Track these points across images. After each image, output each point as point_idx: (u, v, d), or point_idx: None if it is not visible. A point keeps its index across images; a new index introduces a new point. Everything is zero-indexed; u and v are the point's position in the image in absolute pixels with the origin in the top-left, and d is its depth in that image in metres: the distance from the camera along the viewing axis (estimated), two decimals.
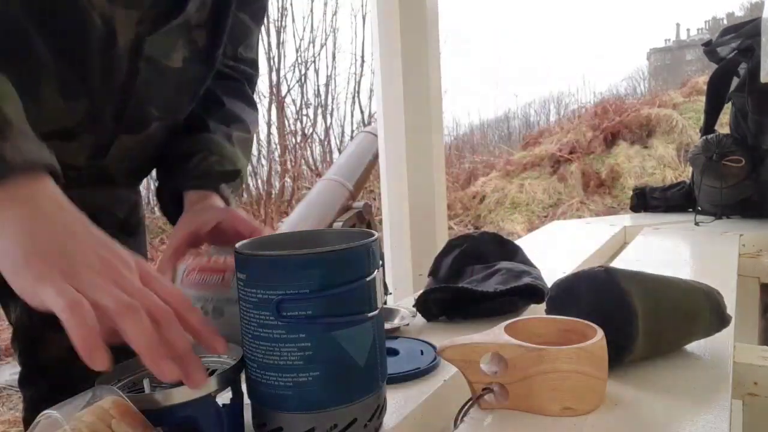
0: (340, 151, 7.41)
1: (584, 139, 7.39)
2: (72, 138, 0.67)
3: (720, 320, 0.69)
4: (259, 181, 7.37)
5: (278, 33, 7.51)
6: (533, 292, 0.85)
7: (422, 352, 0.71)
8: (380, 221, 2.03)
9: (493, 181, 7.36)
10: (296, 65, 7.64)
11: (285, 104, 7.53)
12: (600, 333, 0.56)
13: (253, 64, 0.85)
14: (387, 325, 0.79)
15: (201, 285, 0.56)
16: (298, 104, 7.65)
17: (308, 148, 7.66)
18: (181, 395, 0.45)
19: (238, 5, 0.75)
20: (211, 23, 0.70)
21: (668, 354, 0.66)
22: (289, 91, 7.59)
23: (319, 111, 7.78)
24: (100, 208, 0.72)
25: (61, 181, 0.49)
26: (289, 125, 7.60)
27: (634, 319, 0.61)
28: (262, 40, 7.43)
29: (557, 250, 1.35)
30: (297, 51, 7.64)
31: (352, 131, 7.71)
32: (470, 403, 0.56)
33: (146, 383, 0.49)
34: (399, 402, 0.60)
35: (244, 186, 7.19)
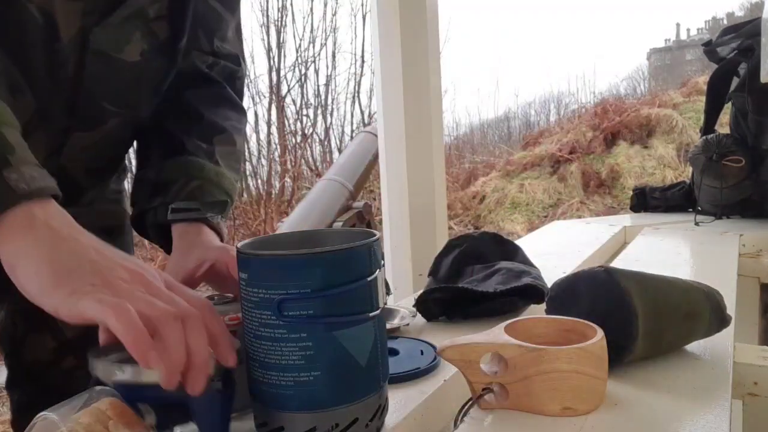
0: (340, 151, 7.41)
1: (584, 139, 7.39)
2: (25, 136, 0.65)
3: (720, 320, 0.69)
4: (259, 181, 7.37)
5: (278, 33, 7.52)
6: (533, 292, 0.85)
7: (422, 352, 0.71)
8: (380, 221, 2.03)
9: (493, 181, 7.36)
10: (296, 65, 7.64)
11: (285, 104, 7.53)
12: (600, 333, 0.56)
13: (236, 59, 0.80)
14: (387, 325, 0.79)
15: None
16: (298, 104, 7.65)
17: (308, 148, 7.66)
18: None
19: None
20: (171, 14, 0.67)
21: (668, 354, 0.67)
22: (289, 91, 7.59)
23: (319, 111, 7.78)
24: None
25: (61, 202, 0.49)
26: (289, 125, 7.60)
27: (634, 319, 0.61)
28: (263, 41, 7.44)
29: (557, 250, 1.35)
30: (297, 51, 7.64)
31: (352, 131, 7.71)
32: (470, 403, 0.56)
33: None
34: (399, 402, 0.60)
35: (243, 187, 7.20)
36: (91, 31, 0.61)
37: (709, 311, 0.68)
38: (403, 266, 1.78)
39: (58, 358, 0.68)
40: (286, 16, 7.54)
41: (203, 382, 0.45)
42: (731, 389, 0.59)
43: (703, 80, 7.20)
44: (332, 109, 7.88)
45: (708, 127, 1.79)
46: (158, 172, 0.72)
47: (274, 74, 7.53)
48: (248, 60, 7.79)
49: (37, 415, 0.44)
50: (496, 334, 0.57)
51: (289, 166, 7.37)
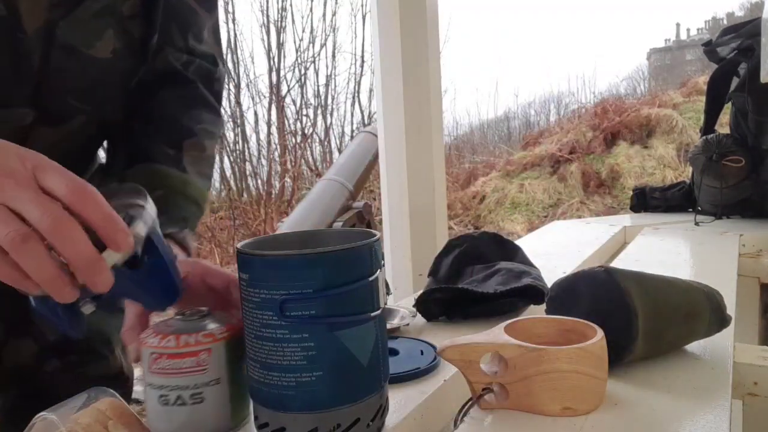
0: (340, 151, 7.41)
1: (584, 139, 7.39)
2: None
3: (720, 321, 0.69)
4: (259, 181, 7.37)
5: (278, 33, 7.52)
6: (533, 293, 0.85)
7: (422, 352, 0.72)
8: (380, 221, 2.03)
9: (493, 181, 7.36)
10: (296, 65, 7.64)
11: (285, 104, 7.53)
12: (600, 333, 0.56)
13: (212, 59, 0.77)
14: (387, 325, 0.79)
15: (173, 372, 0.51)
16: (298, 104, 7.65)
17: (308, 148, 7.66)
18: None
19: None
20: (145, 11, 0.66)
21: (668, 354, 0.67)
22: (289, 91, 7.59)
23: (319, 111, 7.78)
24: None
25: None
26: (289, 125, 7.60)
27: (634, 319, 0.61)
28: (263, 41, 7.44)
29: (557, 250, 1.35)
30: (297, 51, 7.64)
31: (352, 131, 7.71)
32: (470, 403, 0.56)
33: None
34: (399, 402, 0.60)
35: (244, 187, 7.20)
36: (57, 24, 0.59)
37: (709, 311, 0.68)
38: (403, 266, 1.78)
39: (40, 361, 0.67)
40: (286, 16, 7.54)
41: (102, 278, 0.42)
42: (731, 389, 0.59)
43: (703, 80, 7.20)
44: (332, 109, 7.88)
45: (708, 127, 1.79)
46: (119, 180, 0.68)
47: (274, 74, 7.53)
48: (248, 60, 7.81)
49: (37, 416, 0.44)
50: (496, 334, 0.57)
51: (289, 166, 7.37)
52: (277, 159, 7.41)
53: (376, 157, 4.07)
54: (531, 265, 0.97)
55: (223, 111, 0.81)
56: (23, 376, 0.68)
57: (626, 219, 1.78)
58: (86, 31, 0.62)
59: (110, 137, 0.76)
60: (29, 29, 0.58)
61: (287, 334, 0.47)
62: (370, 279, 0.49)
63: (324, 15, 7.66)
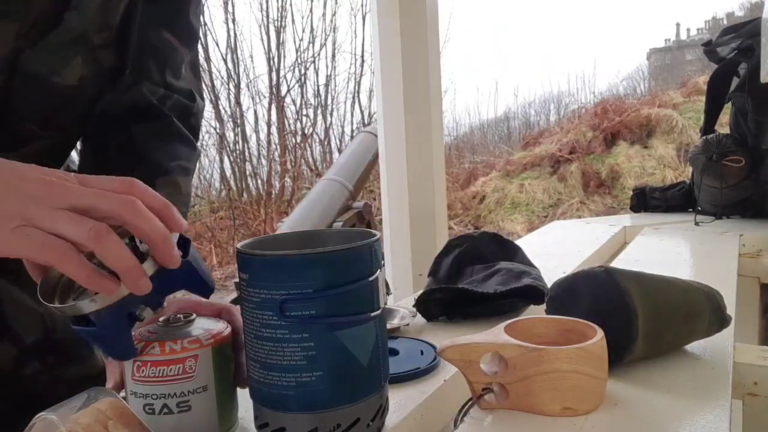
0: (340, 151, 7.42)
1: (584, 139, 7.40)
2: None
3: (720, 321, 0.69)
4: (259, 181, 7.37)
5: (278, 33, 7.52)
6: (533, 293, 0.85)
7: (422, 352, 0.72)
8: (380, 221, 2.03)
9: (493, 181, 7.37)
10: (296, 65, 7.65)
11: (285, 104, 7.54)
12: (600, 333, 0.56)
13: (189, 94, 0.77)
14: (387, 325, 0.79)
15: (158, 381, 0.50)
16: (298, 104, 7.65)
17: (308, 148, 7.66)
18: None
19: (160, 24, 0.71)
20: (119, 43, 0.66)
21: (668, 354, 0.67)
22: (289, 91, 7.60)
23: (319, 111, 7.79)
24: None
25: None
26: (289, 125, 7.61)
27: (634, 319, 0.61)
28: (262, 41, 7.45)
29: (557, 250, 1.35)
30: (297, 51, 7.65)
31: (352, 131, 7.71)
32: (470, 403, 0.56)
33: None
34: (399, 402, 0.60)
35: (244, 187, 7.20)
36: (23, 52, 0.59)
37: (709, 311, 0.68)
38: (403, 266, 1.78)
39: (19, 365, 0.67)
40: (286, 16, 7.54)
41: (173, 251, 0.45)
42: (731, 389, 0.59)
43: (703, 80, 7.20)
44: (332, 109, 7.88)
45: (708, 127, 1.79)
46: None
47: (273, 74, 7.53)
48: (248, 60, 7.80)
49: (36, 416, 0.44)
50: (496, 334, 0.57)
51: (289, 166, 7.37)
52: (277, 159, 7.42)
53: (376, 157, 4.07)
54: (531, 265, 0.97)
55: (199, 144, 0.80)
56: (2, 380, 0.67)
57: (626, 219, 1.78)
58: (52, 60, 0.62)
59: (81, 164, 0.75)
60: None
61: (287, 334, 0.47)
62: (370, 279, 0.49)
63: (324, 15, 7.67)
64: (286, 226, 3.73)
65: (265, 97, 7.55)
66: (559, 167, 7.24)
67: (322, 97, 7.78)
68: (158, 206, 0.46)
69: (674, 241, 1.39)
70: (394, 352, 0.71)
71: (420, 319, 0.86)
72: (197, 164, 0.79)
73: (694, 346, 0.69)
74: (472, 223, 6.75)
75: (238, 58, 7.49)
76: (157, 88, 0.73)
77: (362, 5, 7.59)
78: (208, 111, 7.08)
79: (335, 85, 7.87)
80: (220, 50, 8.36)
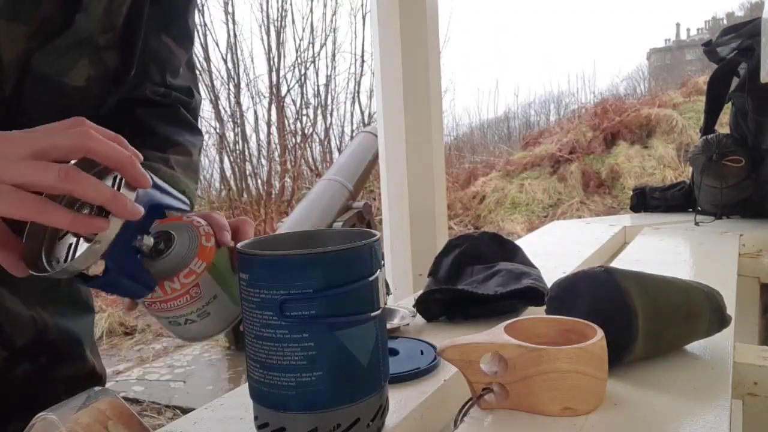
0: (340, 151, 7.42)
1: (584, 139, 7.40)
2: None
3: (720, 321, 0.69)
4: (259, 181, 7.37)
5: (278, 33, 7.52)
6: (533, 294, 0.85)
7: (422, 352, 0.72)
8: (380, 221, 2.03)
9: (493, 181, 7.37)
10: (296, 65, 7.65)
11: (285, 104, 7.54)
12: (600, 333, 0.56)
13: (188, 91, 0.80)
14: (387, 325, 0.79)
15: (171, 309, 0.53)
16: (298, 104, 7.65)
17: (308, 148, 7.67)
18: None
19: (160, 28, 0.72)
20: (122, 45, 0.67)
21: (668, 354, 0.67)
22: (289, 91, 7.60)
23: (319, 111, 7.79)
24: None
25: None
26: (289, 125, 7.61)
27: (634, 319, 0.61)
28: (262, 41, 7.45)
29: (557, 250, 1.35)
30: (297, 51, 7.65)
31: (352, 131, 7.72)
32: (470, 403, 0.56)
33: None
34: (399, 402, 0.60)
35: (244, 187, 7.19)
36: (33, 54, 0.60)
37: (709, 311, 0.68)
38: (403, 266, 1.78)
39: (10, 366, 0.67)
40: (286, 16, 7.54)
41: (142, 170, 0.46)
42: (731, 389, 0.59)
43: (703, 80, 7.21)
44: (332, 109, 7.89)
45: (708, 127, 1.79)
46: None
47: (274, 74, 7.54)
48: (248, 60, 7.81)
49: (36, 416, 0.44)
50: (496, 334, 0.57)
51: (289, 166, 7.37)
52: (277, 159, 7.42)
53: (376, 157, 4.07)
54: (531, 265, 0.97)
55: (204, 130, 0.82)
56: None
57: (626, 219, 1.78)
58: (61, 61, 0.63)
59: None
60: (6, 58, 0.59)
61: (287, 334, 0.47)
62: (370, 279, 0.49)
63: (324, 15, 7.67)
64: (286, 226, 3.74)
65: (265, 97, 7.55)
66: (559, 167, 7.24)
67: (322, 97, 7.78)
68: (110, 137, 0.46)
69: (674, 241, 1.39)
70: (394, 352, 0.71)
71: (420, 319, 0.86)
72: (202, 146, 0.81)
73: (694, 346, 0.69)
74: (472, 223, 6.76)
75: (238, 58, 7.50)
76: (158, 87, 0.75)
77: (362, 5, 7.60)
78: (209, 111, 7.09)
79: (335, 85, 7.88)
80: (220, 50, 8.38)
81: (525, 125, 11.90)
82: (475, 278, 0.91)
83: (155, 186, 0.50)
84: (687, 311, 0.66)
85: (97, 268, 0.47)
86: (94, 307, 0.80)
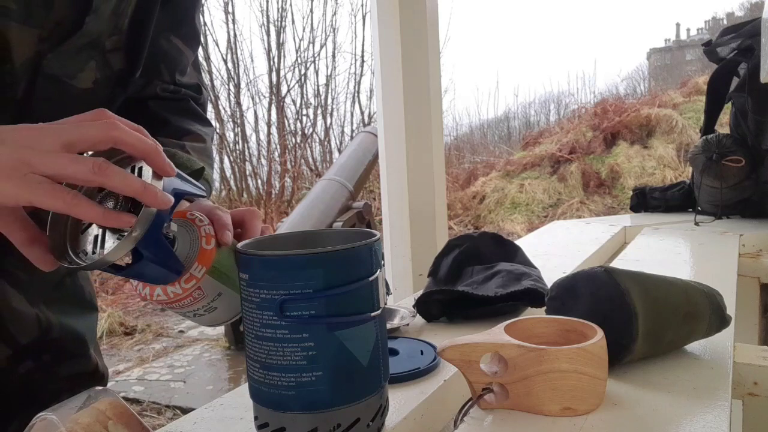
0: (340, 151, 7.42)
1: (584, 139, 7.40)
2: None
3: (720, 321, 0.69)
4: (259, 181, 7.38)
5: (278, 33, 7.52)
6: (534, 295, 0.85)
7: (422, 352, 0.72)
8: (380, 221, 2.03)
9: (493, 181, 7.37)
10: (296, 65, 7.65)
11: (285, 104, 7.54)
12: (600, 333, 0.56)
13: (197, 88, 0.82)
14: (387, 325, 0.79)
15: (179, 307, 0.54)
16: (298, 104, 7.66)
17: (308, 148, 7.67)
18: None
19: (169, 29, 0.73)
20: (128, 47, 0.68)
21: (668, 354, 0.67)
22: (289, 91, 7.60)
23: (319, 111, 7.79)
24: None
25: None
26: (289, 125, 7.61)
27: (634, 319, 0.61)
28: (263, 41, 7.45)
29: (557, 250, 1.35)
30: (297, 51, 7.65)
31: (352, 131, 7.72)
32: (470, 403, 0.56)
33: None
34: (399, 402, 0.60)
35: (244, 187, 7.20)
36: (45, 56, 0.61)
37: (709, 311, 0.68)
38: (403, 266, 1.78)
39: (14, 364, 0.67)
40: (286, 16, 7.55)
41: (167, 160, 0.47)
42: (731, 389, 0.59)
43: (703, 80, 7.21)
44: (332, 109, 7.89)
45: (708, 127, 1.79)
46: None
47: (274, 74, 7.54)
48: (248, 60, 7.81)
49: (36, 416, 0.44)
50: (496, 334, 0.57)
51: (289, 166, 7.38)
52: (277, 159, 7.42)
53: (376, 157, 4.07)
54: (531, 265, 0.97)
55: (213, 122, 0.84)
56: None
57: (626, 219, 1.78)
58: (71, 63, 0.63)
59: None
60: (17, 61, 0.60)
61: (287, 334, 0.47)
62: (370, 279, 0.49)
63: (324, 15, 7.67)
64: (286, 226, 3.74)
65: (265, 97, 7.56)
66: (559, 167, 7.24)
67: (322, 97, 7.79)
68: (134, 127, 0.47)
69: (674, 241, 1.39)
70: (394, 352, 0.71)
71: (420, 319, 0.86)
72: (214, 137, 0.83)
73: (694, 346, 0.69)
74: (472, 223, 6.76)
75: (238, 58, 7.51)
76: (168, 85, 0.77)
77: (362, 5, 7.60)
78: (209, 111, 7.08)
79: (335, 85, 7.88)
80: (220, 50, 8.38)
81: (525, 125, 11.90)
82: (475, 278, 0.91)
83: (178, 175, 0.51)
84: (687, 311, 0.66)
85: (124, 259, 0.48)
86: (98, 306, 0.80)
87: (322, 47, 7.70)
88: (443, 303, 0.86)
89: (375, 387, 0.51)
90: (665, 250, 1.30)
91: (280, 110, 7.52)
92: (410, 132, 1.76)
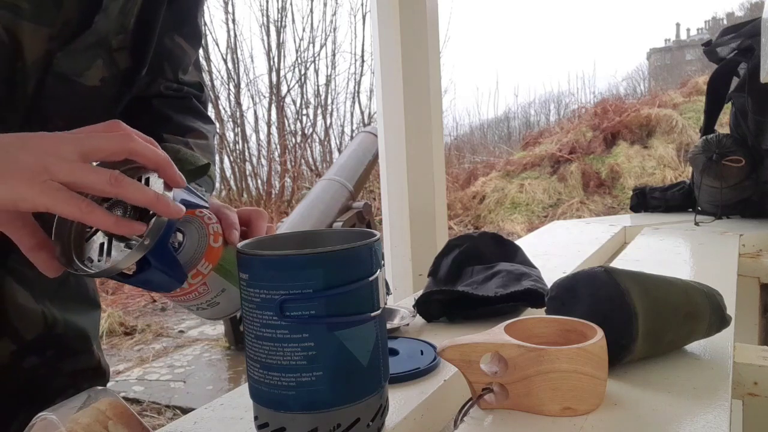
0: (340, 151, 7.42)
1: (584, 139, 7.40)
2: None
3: (720, 321, 0.69)
4: (259, 181, 7.38)
5: (278, 33, 7.52)
6: (534, 295, 0.85)
7: (422, 352, 0.72)
8: (380, 221, 2.03)
9: (493, 181, 7.37)
10: (296, 65, 7.65)
11: (285, 104, 7.54)
12: (600, 333, 0.56)
13: (199, 86, 0.84)
14: (387, 325, 0.79)
15: (184, 301, 0.56)
16: (298, 104, 7.66)
17: (308, 148, 7.67)
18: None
19: (173, 28, 0.74)
20: (134, 46, 0.69)
21: (668, 354, 0.67)
22: (289, 91, 7.60)
23: (319, 111, 7.79)
24: None
25: None
26: (289, 125, 7.61)
27: (634, 319, 0.61)
28: (262, 41, 7.45)
29: (557, 250, 1.35)
30: (297, 51, 7.65)
31: (352, 131, 7.72)
32: (470, 403, 0.56)
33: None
34: (399, 402, 0.60)
35: (244, 187, 7.19)
36: (54, 55, 0.62)
37: (709, 311, 0.68)
38: (403, 266, 1.78)
39: (18, 359, 0.68)
40: (286, 16, 7.55)
41: (178, 172, 0.48)
42: (731, 389, 0.59)
43: (703, 80, 7.21)
44: (332, 109, 7.89)
45: (708, 127, 1.79)
46: None
47: (274, 74, 7.54)
48: (248, 60, 7.80)
49: (36, 416, 0.44)
50: (496, 334, 0.57)
51: (289, 166, 7.38)
52: (277, 159, 7.42)
53: (376, 157, 4.07)
54: (531, 265, 0.97)
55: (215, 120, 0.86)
56: (1, 374, 0.68)
57: (626, 219, 1.78)
58: (79, 61, 0.65)
59: None
60: (29, 59, 0.61)
61: (287, 334, 0.47)
62: (370, 279, 0.49)
63: (324, 15, 7.67)
64: (286, 226, 3.74)
65: (265, 97, 7.56)
66: (559, 167, 7.24)
67: (322, 97, 7.79)
68: (147, 139, 0.48)
69: (674, 241, 1.39)
70: (394, 352, 0.71)
71: (420, 319, 0.86)
72: (216, 135, 0.85)
73: (694, 346, 0.69)
74: (472, 223, 6.76)
75: (238, 58, 7.51)
76: (171, 83, 0.78)
77: (362, 5, 7.60)
78: (209, 111, 7.09)
79: (335, 85, 7.88)
80: (220, 50, 8.39)
81: (525, 125, 11.90)
82: (475, 278, 0.91)
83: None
84: (687, 311, 0.66)
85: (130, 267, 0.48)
86: (100, 303, 0.81)
87: (322, 47, 7.71)
88: (443, 303, 0.86)
89: (375, 387, 0.51)
90: (665, 250, 1.30)
91: (280, 110, 7.52)
92: (410, 132, 1.76)
